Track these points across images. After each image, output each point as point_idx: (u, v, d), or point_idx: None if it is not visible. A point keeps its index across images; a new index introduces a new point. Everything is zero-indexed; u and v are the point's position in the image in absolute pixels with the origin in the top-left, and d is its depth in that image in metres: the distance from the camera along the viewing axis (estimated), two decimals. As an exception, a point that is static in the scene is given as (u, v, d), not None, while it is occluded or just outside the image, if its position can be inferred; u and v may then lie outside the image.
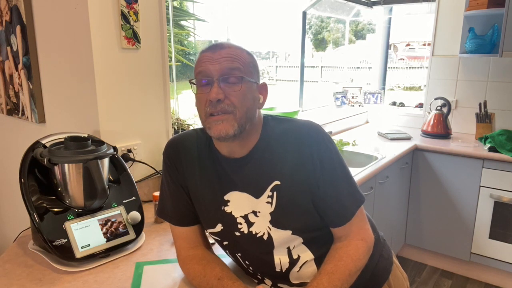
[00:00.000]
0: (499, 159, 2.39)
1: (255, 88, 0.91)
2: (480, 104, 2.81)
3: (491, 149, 2.47)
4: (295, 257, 0.95)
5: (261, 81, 0.94)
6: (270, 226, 0.93)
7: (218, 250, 1.10)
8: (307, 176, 0.90)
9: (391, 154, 2.40)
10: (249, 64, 0.89)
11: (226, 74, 0.85)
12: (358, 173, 2.02)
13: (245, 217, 0.94)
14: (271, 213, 0.92)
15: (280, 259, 0.95)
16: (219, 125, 0.85)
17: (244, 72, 0.87)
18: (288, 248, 0.95)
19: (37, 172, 1.16)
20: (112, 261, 1.14)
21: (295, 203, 0.91)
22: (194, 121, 2.02)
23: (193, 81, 0.89)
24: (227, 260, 1.09)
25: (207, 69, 0.85)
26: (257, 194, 0.93)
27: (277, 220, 0.92)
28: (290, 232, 0.92)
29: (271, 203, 0.92)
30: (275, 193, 0.91)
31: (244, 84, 0.86)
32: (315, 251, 0.96)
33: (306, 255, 0.95)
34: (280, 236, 0.93)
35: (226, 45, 0.88)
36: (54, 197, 1.15)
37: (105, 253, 1.14)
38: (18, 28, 1.66)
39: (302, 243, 0.94)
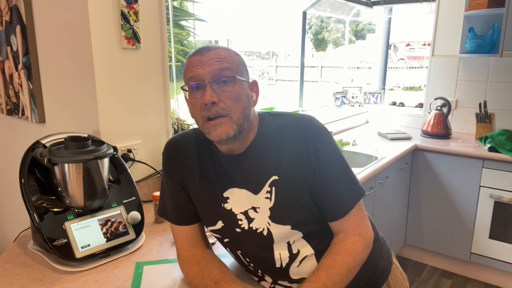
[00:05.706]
0: (499, 159, 2.39)
1: (247, 86, 0.91)
2: (480, 104, 2.81)
3: (491, 149, 2.47)
4: (295, 251, 0.95)
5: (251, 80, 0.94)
6: (270, 221, 0.93)
7: (218, 250, 1.10)
8: (303, 169, 0.90)
9: (391, 154, 2.40)
10: (238, 62, 0.89)
11: (217, 75, 0.85)
12: (358, 173, 2.02)
13: (245, 213, 0.95)
14: (270, 209, 0.92)
15: (280, 254, 0.95)
16: (218, 130, 0.86)
17: (234, 71, 0.87)
18: (288, 243, 0.95)
19: (37, 172, 1.16)
20: (112, 261, 1.14)
21: (294, 198, 0.91)
22: (194, 121, 2.02)
23: (185, 87, 0.89)
24: (228, 260, 1.09)
25: (198, 73, 0.85)
26: (255, 190, 0.93)
27: (276, 215, 0.92)
28: (290, 227, 0.93)
29: (270, 199, 0.92)
30: (273, 188, 0.91)
31: (236, 84, 0.86)
32: (315, 245, 0.96)
33: (306, 249, 0.95)
34: (280, 231, 0.93)
35: (213, 47, 0.88)
36: (54, 197, 1.15)
37: (105, 253, 1.14)
38: (18, 28, 1.66)
39: (302, 237, 0.94)
